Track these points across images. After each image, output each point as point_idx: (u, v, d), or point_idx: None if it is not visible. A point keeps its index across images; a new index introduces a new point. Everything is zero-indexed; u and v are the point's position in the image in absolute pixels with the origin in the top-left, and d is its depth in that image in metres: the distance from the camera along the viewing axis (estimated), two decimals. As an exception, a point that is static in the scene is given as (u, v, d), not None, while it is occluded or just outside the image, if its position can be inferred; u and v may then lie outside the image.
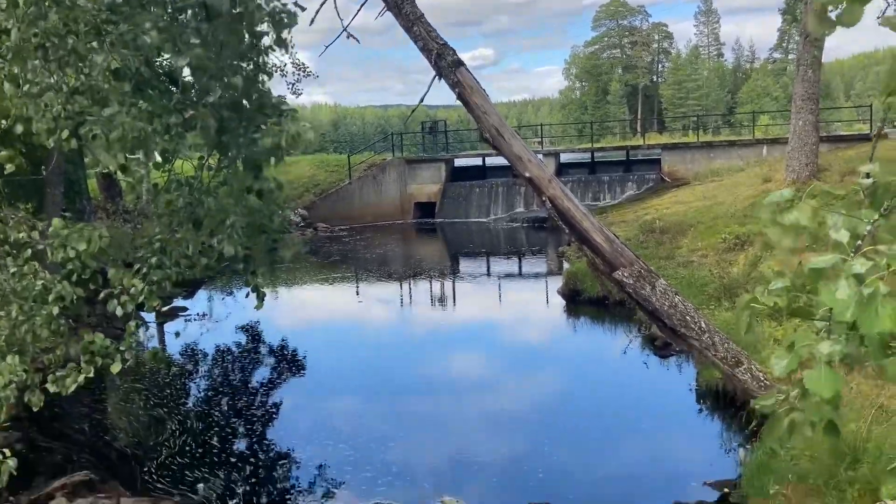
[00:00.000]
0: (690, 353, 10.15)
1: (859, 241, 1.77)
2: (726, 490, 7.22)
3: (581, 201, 8.47)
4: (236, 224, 4.81)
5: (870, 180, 1.75)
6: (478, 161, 35.09)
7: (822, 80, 19.73)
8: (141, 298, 4.85)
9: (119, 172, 4.93)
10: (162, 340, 15.02)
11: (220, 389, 11.56)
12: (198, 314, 16.66)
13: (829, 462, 6.09)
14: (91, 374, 4.91)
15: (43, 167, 7.28)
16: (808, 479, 6.07)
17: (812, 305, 1.81)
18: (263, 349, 14.05)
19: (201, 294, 19.24)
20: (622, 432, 9.38)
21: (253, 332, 15.07)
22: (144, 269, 4.89)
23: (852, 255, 1.75)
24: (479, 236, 29.31)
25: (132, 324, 4.97)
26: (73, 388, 4.87)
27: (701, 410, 9.75)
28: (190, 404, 10.91)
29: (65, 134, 4.44)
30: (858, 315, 1.56)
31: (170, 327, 15.57)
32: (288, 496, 7.88)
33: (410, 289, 19.71)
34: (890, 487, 1.71)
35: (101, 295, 4.93)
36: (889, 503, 5.25)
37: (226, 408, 10.57)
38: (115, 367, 4.87)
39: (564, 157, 35.49)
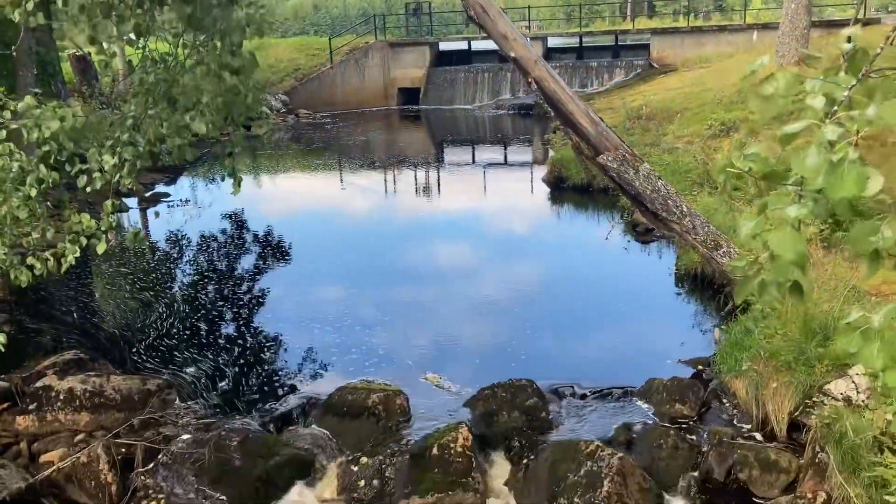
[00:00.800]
0: (671, 237, 10.28)
1: (836, 108, 1.76)
2: (700, 367, 7.48)
3: (569, 88, 8.33)
4: (210, 103, 4.71)
5: (850, 45, 1.72)
6: (463, 45, 34.23)
7: (817, -39, 19.13)
8: (116, 176, 4.79)
9: (91, 51, 4.78)
10: (145, 226, 15.00)
11: (206, 275, 11.65)
12: (181, 200, 16.56)
13: (801, 339, 6.30)
14: (78, 254, 4.91)
15: (12, 46, 7.03)
16: (780, 355, 6.28)
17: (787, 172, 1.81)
18: (248, 236, 14.08)
19: (183, 181, 19.08)
20: (603, 315, 9.61)
21: (237, 219, 15.06)
22: (118, 148, 4.81)
23: (827, 121, 1.74)
24: (464, 123, 28.97)
25: (108, 203, 4.93)
26: (65, 268, 4.89)
27: (679, 294, 9.97)
28: (176, 289, 11.01)
29: (30, 5, 4.27)
30: (825, 181, 1.57)
31: (153, 213, 15.50)
32: (276, 377, 8.08)
33: (394, 177, 19.62)
34: (841, 342, 1.76)
35: (73, 171, 4.87)
36: (854, 374, 5.46)
37: (212, 293, 10.68)
38: (101, 248, 4.87)
39: (552, 42, 34.67)
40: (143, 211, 15.69)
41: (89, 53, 4.90)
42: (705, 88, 20.19)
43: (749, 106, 1.92)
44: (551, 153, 19.00)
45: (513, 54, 7.96)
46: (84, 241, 5.00)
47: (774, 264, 1.69)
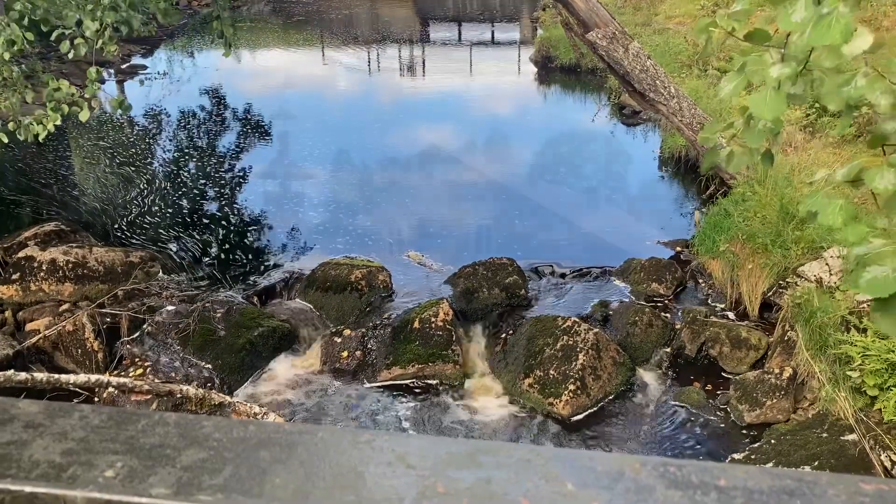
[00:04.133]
0: (657, 120, 10.21)
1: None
2: (679, 249, 7.59)
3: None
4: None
5: None
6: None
7: None
8: (99, 43, 4.61)
9: None
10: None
11: (187, 152, 11.46)
12: (159, 73, 16.08)
13: (778, 222, 6.37)
14: (59, 122, 4.79)
15: None
16: (757, 238, 6.38)
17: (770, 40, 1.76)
18: (227, 113, 13.78)
19: (161, 53, 18.46)
20: (586, 197, 9.64)
21: (216, 95, 14.70)
22: (99, 12, 4.60)
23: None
24: (451, -1, 28.00)
25: (92, 69, 4.76)
26: (44, 135, 4.77)
27: (662, 177, 9.99)
28: (157, 165, 10.85)
29: None
30: (811, 31, 1.51)
31: (130, 86, 15.08)
32: (259, 253, 8.12)
33: (378, 55, 19.08)
34: (805, 205, 1.76)
35: (54, 35, 4.68)
36: (828, 256, 5.57)
37: (193, 170, 10.53)
38: (84, 115, 4.74)
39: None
40: (120, 83, 15.25)
41: None
42: (700, -33, 19.51)
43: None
44: (540, 32, 18.51)
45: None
46: (66, 108, 4.86)
47: (749, 131, 1.65)
